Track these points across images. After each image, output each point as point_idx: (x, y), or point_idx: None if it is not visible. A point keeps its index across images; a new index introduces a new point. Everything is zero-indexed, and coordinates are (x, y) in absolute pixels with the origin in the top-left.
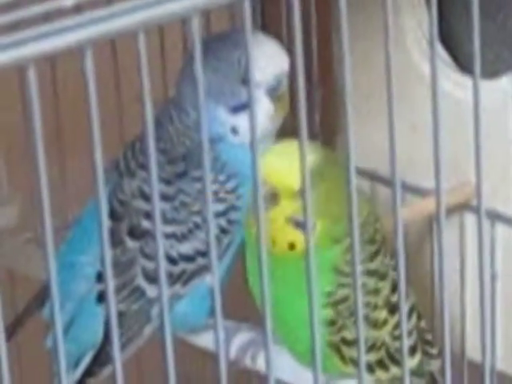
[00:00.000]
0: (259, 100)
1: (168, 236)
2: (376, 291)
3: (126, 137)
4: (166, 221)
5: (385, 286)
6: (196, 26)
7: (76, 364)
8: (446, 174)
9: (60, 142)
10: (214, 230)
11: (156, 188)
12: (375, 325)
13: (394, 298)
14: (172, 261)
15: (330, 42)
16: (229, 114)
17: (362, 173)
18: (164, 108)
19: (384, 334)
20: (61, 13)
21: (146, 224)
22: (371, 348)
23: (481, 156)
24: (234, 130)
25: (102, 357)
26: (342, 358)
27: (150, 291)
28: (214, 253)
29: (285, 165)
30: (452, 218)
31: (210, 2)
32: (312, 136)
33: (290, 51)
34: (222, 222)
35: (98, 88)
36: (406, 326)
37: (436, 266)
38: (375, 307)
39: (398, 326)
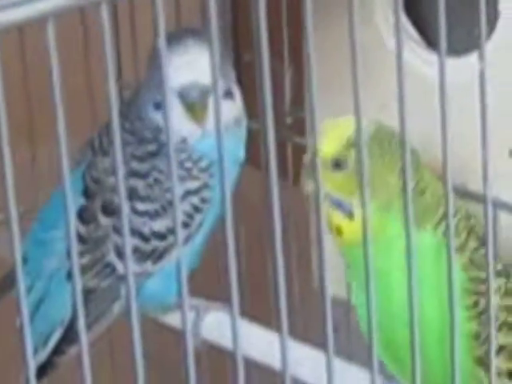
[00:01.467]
0: (170, 101)
1: (141, 213)
2: (508, 292)
3: (98, 116)
4: (139, 198)
5: None
6: None
7: (45, 342)
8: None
9: (31, 126)
10: (185, 207)
11: (120, 162)
12: None
13: None
14: (144, 238)
15: (301, 23)
16: (153, 109)
17: None
18: (135, 89)
19: None
20: None
21: (118, 201)
22: None
23: (447, 133)
24: (157, 127)
25: (70, 335)
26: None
27: (121, 268)
28: (180, 232)
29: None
30: None
31: None
32: (282, 115)
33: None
34: (195, 200)
35: (67, 68)
36: None
37: None
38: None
39: None
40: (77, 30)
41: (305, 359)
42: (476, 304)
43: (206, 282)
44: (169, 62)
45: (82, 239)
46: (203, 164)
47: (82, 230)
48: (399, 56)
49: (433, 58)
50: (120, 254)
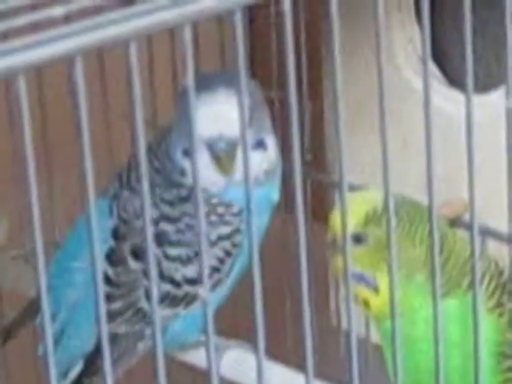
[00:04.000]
0: (199, 151)
1: (172, 259)
2: None
3: (115, 155)
4: (171, 243)
5: None
6: (188, 36)
7: (65, 374)
8: (437, 190)
9: (48, 159)
10: (217, 252)
11: (148, 207)
12: None
13: None
14: (176, 284)
15: (320, 58)
16: (181, 155)
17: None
18: (164, 128)
19: None
20: (50, 23)
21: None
22: None
23: (473, 172)
24: (182, 172)
25: (91, 368)
26: None
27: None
28: (206, 271)
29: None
30: None
31: (201, 12)
32: (302, 152)
33: (282, 63)
34: (227, 244)
35: (86, 105)
36: None
37: None
38: None
39: None
40: (92, 66)
41: None
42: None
43: (222, 319)
44: (197, 111)
45: (110, 282)
46: (235, 209)
47: (111, 272)
48: (427, 98)
49: (454, 95)
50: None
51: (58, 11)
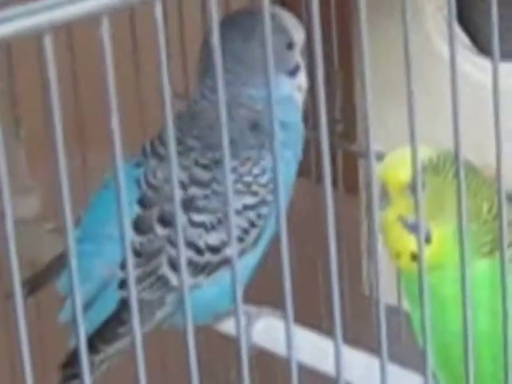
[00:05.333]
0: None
1: (197, 225)
2: None
3: (148, 127)
4: (197, 209)
5: None
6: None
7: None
8: (466, 156)
9: (81, 134)
10: (241, 222)
11: (175, 178)
12: None
13: None
14: (198, 251)
15: (350, 25)
16: (288, 78)
17: None
18: (196, 94)
19: None
20: None
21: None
22: None
23: (500, 139)
24: (299, 88)
25: (106, 335)
26: None
27: (174, 280)
28: (234, 244)
29: (393, 161)
30: None
31: None
32: (333, 121)
33: (309, 34)
34: (252, 215)
35: (117, 81)
36: None
37: None
38: None
39: None
40: (125, 30)
41: (358, 364)
42: None
43: (255, 288)
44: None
45: (135, 251)
46: (264, 179)
47: (137, 240)
48: (453, 66)
49: (485, 63)
50: (174, 266)
51: None
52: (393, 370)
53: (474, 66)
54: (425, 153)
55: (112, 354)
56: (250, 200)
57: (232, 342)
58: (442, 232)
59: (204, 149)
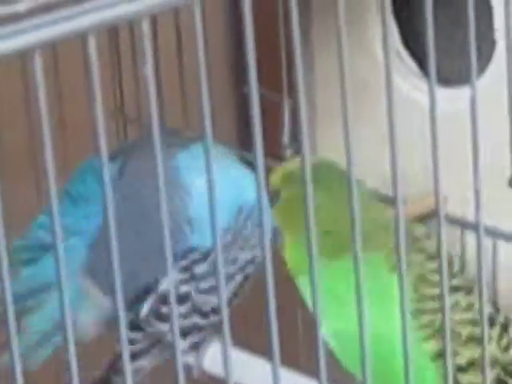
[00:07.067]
0: None
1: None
2: (469, 307)
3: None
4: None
5: (475, 300)
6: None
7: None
8: (418, 183)
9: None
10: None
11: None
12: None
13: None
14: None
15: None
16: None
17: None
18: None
19: (494, 349)
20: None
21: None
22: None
23: (439, 167)
24: None
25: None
26: None
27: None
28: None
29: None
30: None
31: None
32: (282, 148)
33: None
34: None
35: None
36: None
37: None
38: (475, 323)
39: (502, 337)
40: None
41: None
42: (431, 323)
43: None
44: None
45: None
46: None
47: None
48: (388, 82)
49: (438, 90)
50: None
51: None
52: None
53: (422, 92)
54: (293, 164)
55: None
56: (247, 255)
57: None
58: (295, 240)
59: None
